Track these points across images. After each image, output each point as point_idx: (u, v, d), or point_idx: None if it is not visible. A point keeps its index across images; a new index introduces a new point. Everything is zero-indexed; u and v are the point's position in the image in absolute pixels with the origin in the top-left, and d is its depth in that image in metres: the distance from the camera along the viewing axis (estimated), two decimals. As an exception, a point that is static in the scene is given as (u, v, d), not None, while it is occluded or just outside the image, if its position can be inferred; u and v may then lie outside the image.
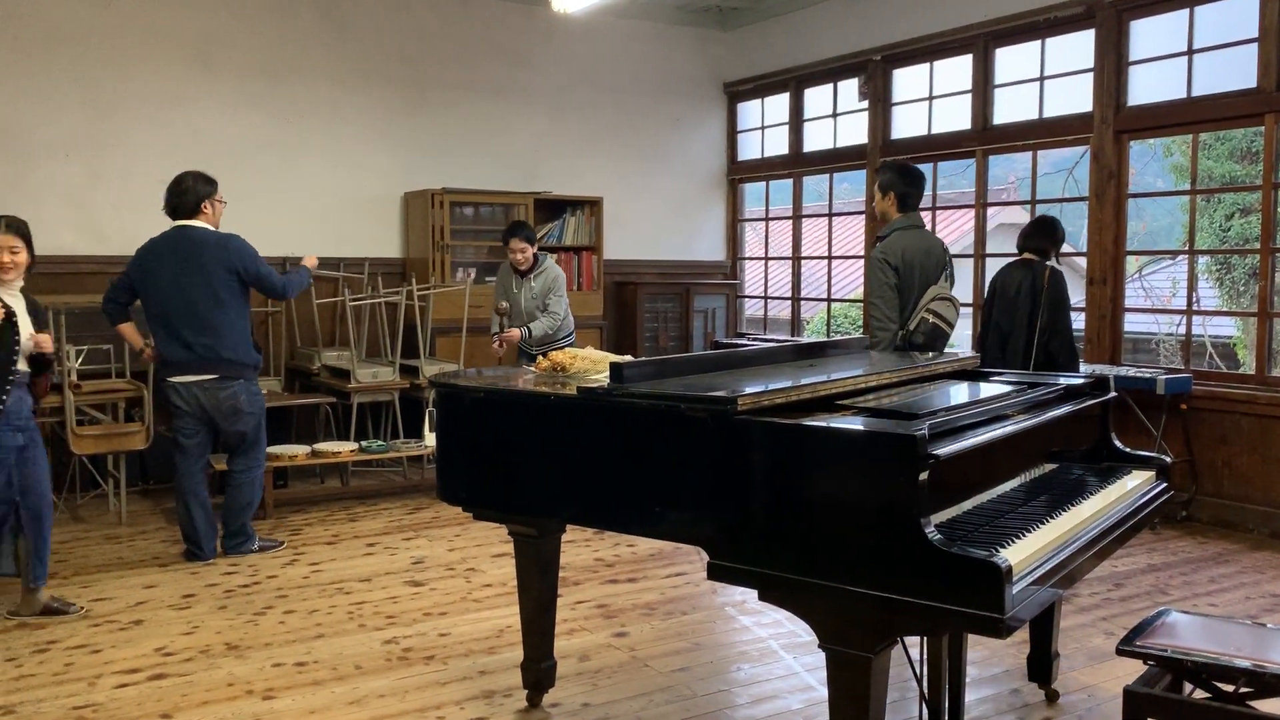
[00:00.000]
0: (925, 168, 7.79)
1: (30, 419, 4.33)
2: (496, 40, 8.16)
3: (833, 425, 2.36)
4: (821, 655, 2.39)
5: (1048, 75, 6.85)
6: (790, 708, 3.50)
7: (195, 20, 7.11)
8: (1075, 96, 6.67)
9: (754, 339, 8.85)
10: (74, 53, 6.76)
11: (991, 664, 3.87)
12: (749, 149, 9.30)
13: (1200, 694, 2.72)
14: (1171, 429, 6.09)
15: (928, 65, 7.61)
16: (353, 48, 7.63)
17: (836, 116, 8.43)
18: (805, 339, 8.80)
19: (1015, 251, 5.51)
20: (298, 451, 6.33)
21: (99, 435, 5.82)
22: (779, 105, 8.93)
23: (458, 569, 5.09)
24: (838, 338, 7.17)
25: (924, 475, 2.18)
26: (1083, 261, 6.77)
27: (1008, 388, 3.07)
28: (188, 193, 5.09)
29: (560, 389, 3.00)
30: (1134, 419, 6.10)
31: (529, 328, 6.26)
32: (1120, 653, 2.75)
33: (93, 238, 6.78)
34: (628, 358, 3.06)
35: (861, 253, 8.20)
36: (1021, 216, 9.09)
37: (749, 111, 9.30)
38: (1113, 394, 3.36)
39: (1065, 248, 5.69)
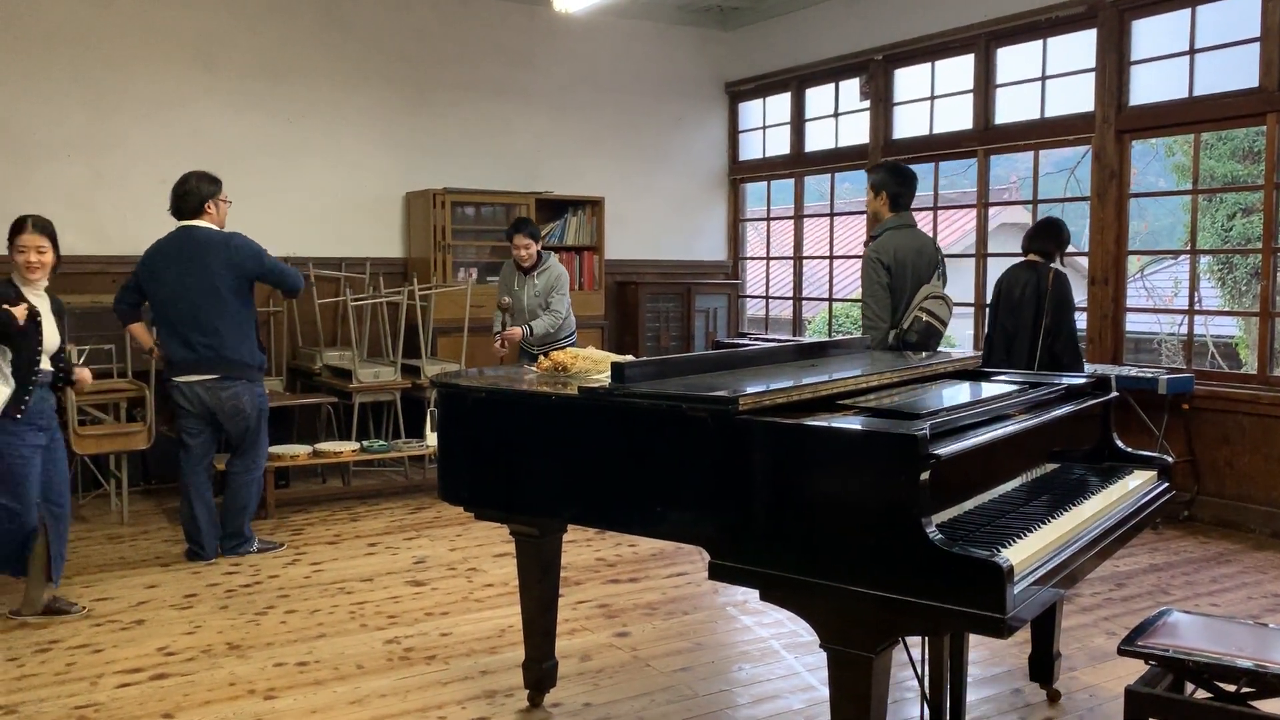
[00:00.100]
0: (927, 167, 7.81)
1: (53, 418, 4.36)
2: (498, 40, 8.17)
3: (834, 425, 2.36)
4: (823, 655, 2.39)
5: (1049, 75, 6.85)
6: (791, 707, 3.50)
7: (196, 20, 7.11)
8: (1077, 96, 6.67)
9: (755, 339, 8.85)
10: (75, 53, 6.76)
11: (993, 664, 3.87)
12: (750, 149, 9.30)
13: (1202, 694, 2.72)
14: (1173, 429, 6.09)
15: (929, 65, 7.61)
16: (354, 48, 7.64)
17: (838, 116, 8.43)
18: (806, 339, 8.80)
19: (1018, 252, 5.52)
20: (299, 451, 6.34)
21: (101, 435, 5.83)
22: (780, 105, 8.93)
23: (459, 569, 5.09)
24: (839, 338, 7.17)
25: (925, 475, 2.18)
26: (1084, 261, 6.77)
27: (1009, 388, 3.07)
28: (191, 193, 5.09)
29: (562, 389, 3.00)
30: (1136, 419, 6.10)
31: (530, 326, 6.26)
32: (1122, 653, 2.75)
33: (94, 238, 6.78)
34: (629, 357, 3.06)
35: (863, 253, 8.20)
36: (1023, 216, 9.09)
37: (750, 111, 9.30)
38: (1114, 394, 3.36)
39: (1068, 248, 5.68)
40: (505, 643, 4.05)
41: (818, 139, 8.66)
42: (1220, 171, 10.32)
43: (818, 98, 8.65)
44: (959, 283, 8.24)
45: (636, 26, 8.73)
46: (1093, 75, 6.48)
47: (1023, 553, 2.31)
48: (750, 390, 2.55)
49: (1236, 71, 5.89)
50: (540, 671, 3.44)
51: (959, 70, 7.39)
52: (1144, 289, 10.07)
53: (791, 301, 9.29)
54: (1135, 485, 3.11)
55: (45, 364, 4.24)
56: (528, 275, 6.38)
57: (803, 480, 2.36)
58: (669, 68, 8.96)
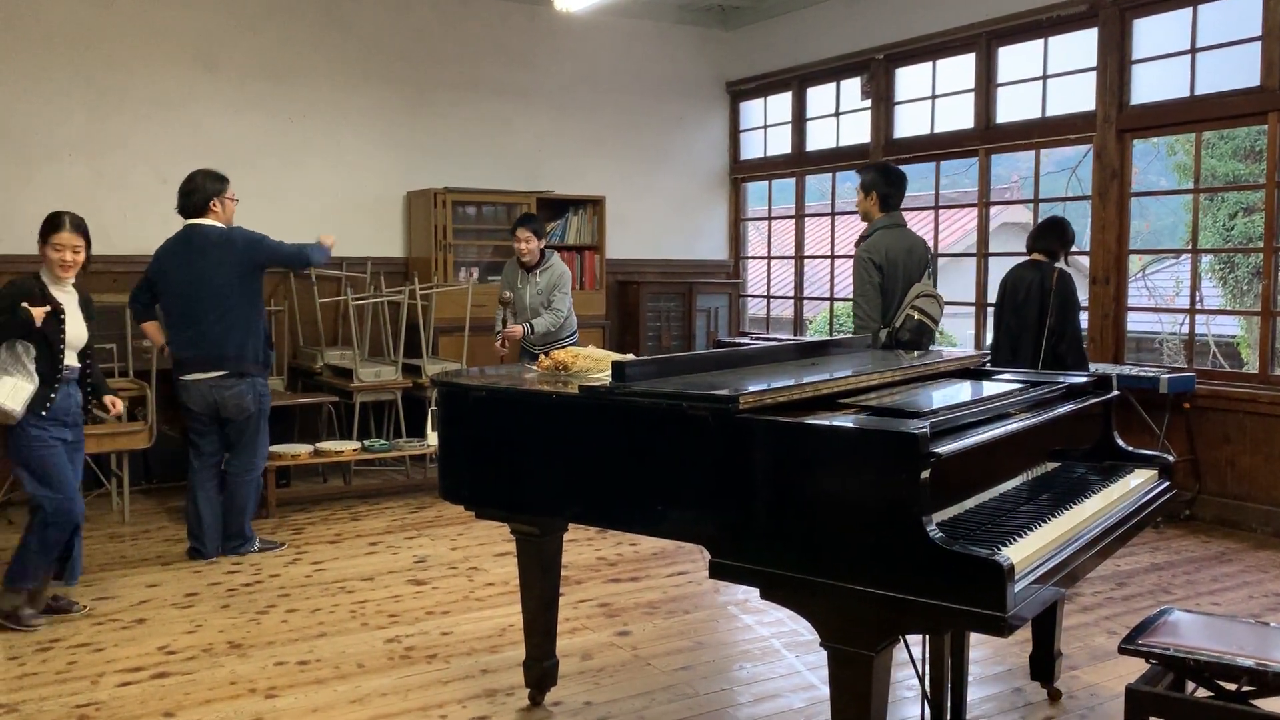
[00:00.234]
0: (928, 167, 7.81)
1: (79, 415, 4.37)
2: (498, 40, 8.17)
3: (834, 423, 2.36)
4: (824, 654, 2.39)
5: (1050, 74, 6.85)
6: (792, 706, 3.50)
7: (197, 21, 7.12)
8: (1078, 95, 6.67)
9: (757, 338, 8.85)
10: (76, 54, 6.77)
11: (994, 663, 3.87)
12: (751, 148, 9.30)
13: (1203, 693, 2.72)
14: (1175, 428, 6.09)
15: (930, 64, 7.61)
16: (354, 48, 7.64)
17: (839, 115, 8.43)
18: (807, 338, 8.80)
19: (1019, 251, 5.52)
20: (300, 451, 6.34)
21: (102, 434, 5.82)
22: (781, 104, 8.93)
23: (460, 568, 5.09)
24: (840, 336, 7.18)
25: (925, 473, 2.18)
26: (1086, 261, 6.77)
27: (1010, 386, 3.07)
28: (196, 192, 5.11)
29: (562, 388, 3.00)
30: (1137, 418, 6.10)
31: (531, 324, 6.25)
32: (1123, 651, 2.75)
33: (95, 238, 6.59)
34: (629, 356, 3.06)
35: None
36: (1025, 216, 9.09)
37: (751, 111, 9.30)
38: (1115, 393, 3.36)
39: (1072, 247, 5.68)
40: (506, 642, 4.05)
41: (819, 138, 8.66)
42: (1222, 171, 10.31)
43: (819, 97, 8.65)
44: (960, 282, 8.27)
45: (637, 26, 8.73)
46: (1094, 74, 6.48)
47: (1023, 551, 2.31)
48: (751, 389, 2.55)
49: (1238, 70, 5.88)
50: (541, 670, 3.44)
51: (960, 69, 7.39)
52: (1145, 288, 10.06)
53: (793, 301, 9.29)
54: (1136, 484, 3.11)
55: (71, 360, 4.24)
56: (530, 273, 6.38)
57: (803, 479, 2.36)
58: (670, 67, 8.96)
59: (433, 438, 6.58)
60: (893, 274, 4.90)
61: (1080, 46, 6.62)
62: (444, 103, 7.97)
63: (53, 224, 4.28)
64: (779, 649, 4.02)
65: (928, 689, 2.98)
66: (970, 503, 2.59)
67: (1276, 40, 5.67)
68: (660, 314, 8.66)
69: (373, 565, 5.14)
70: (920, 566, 2.16)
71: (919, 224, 10.74)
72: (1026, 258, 5.49)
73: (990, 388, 3.05)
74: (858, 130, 8.21)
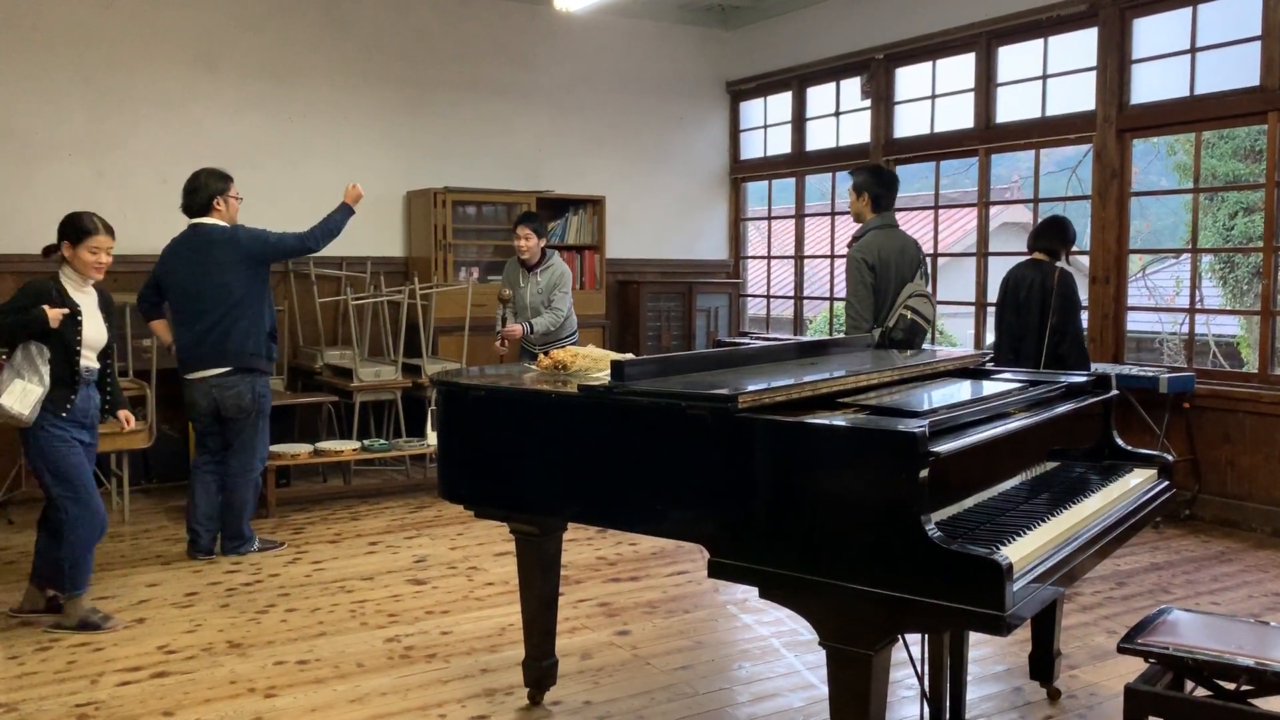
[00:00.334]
0: (928, 166, 7.82)
1: (97, 417, 4.37)
2: (498, 40, 8.17)
3: (833, 423, 2.36)
4: (823, 653, 2.39)
5: (1050, 74, 6.85)
6: (791, 705, 3.50)
7: (197, 21, 7.12)
8: (1078, 95, 6.67)
9: (757, 338, 8.85)
10: (77, 54, 6.77)
11: (993, 662, 3.87)
12: (751, 148, 9.30)
13: (1202, 692, 2.71)
14: (1174, 427, 6.08)
15: (930, 64, 7.60)
16: (355, 48, 7.64)
17: (839, 115, 8.43)
18: (807, 337, 8.80)
19: (1019, 251, 5.52)
20: (300, 450, 6.34)
21: (102, 434, 5.80)
22: (781, 104, 8.93)
23: (460, 567, 5.09)
24: (840, 336, 7.18)
25: (924, 472, 2.18)
26: (1086, 260, 6.77)
27: (1009, 386, 3.07)
28: (199, 190, 5.12)
29: (561, 387, 3.01)
30: (1137, 417, 6.10)
31: (531, 323, 6.26)
32: (1121, 650, 2.75)
33: None
34: (628, 356, 3.06)
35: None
36: (1025, 216, 9.09)
37: (751, 110, 9.30)
38: (1114, 392, 3.36)
39: (1073, 246, 5.68)
40: (506, 641, 4.05)
41: (819, 138, 8.66)
42: (1222, 170, 10.31)
43: (819, 97, 8.65)
44: (960, 282, 8.27)
45: (637, 26, 8.73)
46: (1094, 74, 6.48)
47: (1022, 550, 2.31)
48: (750, 388, 2.55)
49: (1238, 70, 5.88)
50: (540, 670, 3.44)
51: (960, 69, 7.39)
52: (1145, 288, 10.06)
53: (793, 301, 9.29)
54: (1135, 484, 3.11)
55: (90, 361, 4.23)
56: (531, 272, 6.38)
57: (802, 478, 2.36)
58: (670, 67, 8.96)
59: (432, 437, 6.58)
60: (885, 274, 4.94)
61: (1080, 46, 6.62)
62: (444, 102, 7.97)
63: (86, 228, 4.24)
64: (778, 648, 4.02)
65: (927, 688, 2.98)
66: (969, 502, 2.59)
67: (1276, 40, 5.67)
68: (660, 314, 8.66)
69: (372, 565, 5.14)
70: (919, 566, 2.16)
71: (919, 224, 10.78)
72: (1027, 257, 5.49)
73: (989, 387, 3.05)
74: (858, 130, 8.21)
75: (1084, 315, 6.40)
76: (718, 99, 9.26)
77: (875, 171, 5.22)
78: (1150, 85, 6.32)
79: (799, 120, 8.75)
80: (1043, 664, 3.53)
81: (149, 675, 3.75)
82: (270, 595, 4.66)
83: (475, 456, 3.17)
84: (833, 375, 2.85)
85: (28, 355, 4.08)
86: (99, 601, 4.55)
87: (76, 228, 4.24)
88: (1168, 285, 10.48)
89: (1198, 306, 6.90)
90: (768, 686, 3.66)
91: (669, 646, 4.03)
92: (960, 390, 3.02)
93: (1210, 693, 2.68)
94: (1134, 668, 2.86)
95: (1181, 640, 2.72)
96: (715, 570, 2.49)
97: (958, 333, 11.05)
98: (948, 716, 3.15)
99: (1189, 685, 2.75)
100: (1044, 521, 2.54)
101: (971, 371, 3.47)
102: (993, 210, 7.70)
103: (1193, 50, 6.06)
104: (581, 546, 5.42)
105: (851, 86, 8.22)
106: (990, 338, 6.69)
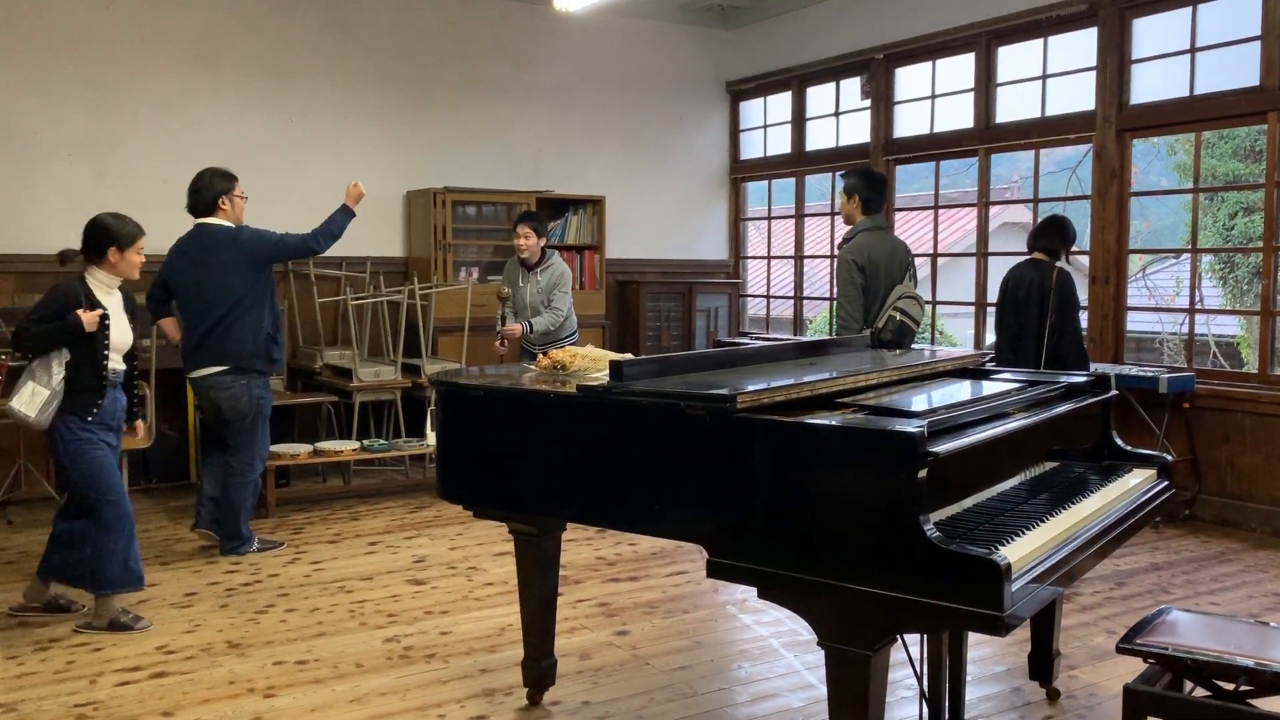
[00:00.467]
0: (928, 166, 7.82)
1: (123, 419, 4.35)
2: (499, 39, 8.17)
3: (831, 423, 2.36)
4: (822, 653, 2.38)
5: (1050, 74, 6.85)
6: (791, 706, 3.50)
7: (198, 21, 7.12)
8: (1078, 95, 6.67)
9: (757, 338, 8.85)
10: (77, 53, 6.77)
11: (992, 662, 3.87)
12: (751, 148, 9.29)
13: (1201, 692, 2.71)
14: (1174, 427, 6.08)
15: (930, 64, 7.60)
16: (355, 47, 7.64)
17: (839, 115, 8.43)
18: (807, 337, 8.79)
19: (1019, 251, 5.53)
20: (300, 450, 6.34)
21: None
22: (781, 104, 8.93)
23: (459, 567, 5.09)
24: (839, 336, 7.19)
25: (923, 472, 2.18)
26: (1086, 260, 6.77)
27: (1008, 386, 3.07)
28: (204, 190, 5.14)
29: (560, 387, 3.00)
30: (1137, 417, 6.10)
31: (530, 323, 6.26)
32: (1120, 651, 2.74)
33: None
34: (628, 356, 3.06)
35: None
36: (1025, 216, 9.09)
37: (751, 110, 9.30)
38: (1114, 392, 3.36)
39: (1073, 245, 5.68)
40: (505, 641, 4.05)
41: (819, 138, 8.66)
42: (1221, 170, 10.31)
43: (819, 97, 8.64)
44: (960, 282, 8.26)
45: (637, 25, 8.73)
46: (1094, 74, 6.48)
47: (1021, 550, 2.31)
48: (749, 388, 2.55)
49: (1237, 70, 5.88)
50: (539, 670, 3.44)
51: (960, 69, 7.39)
52: (1145, 288, 10.06)
53: (792, 301, 9.28)
54: (1135, 484, 3.10)
55: (117, 364, 4.22)
56: (531, 272, 6.38)
57: (801, 478, 2.36)
58: (670, 67, 8.96)
59: (432, 437, 6.58)
60: (875, 275, 5.01)
61: (1080, 46, 6.62)
62: (444, 102, 7.97)
63: (134, 231, 4.28)
64: (777, 648, 4.02)
65: (926, 688, 2.98)
66: (969, 502, 2.58)
67: (1276, 40, 5.67)
68: (660, 314, 8.66)
69: (372, 565, 5.14)
70: (918, 566, 2.16)
71: (919, 224, 10.78)
72: (1027, 257, 5.49)
73: (988, 387, 3.05)
74: (857, 130, 8.21)
75: (1084, 314, 6.42)
76: (718, 99, 9.26)
77: (865, 174, 5.28)
78: (1150, 85, 6.32)
79: (799, 120, 8.75)
80: (1042, 664, 3.53)
81: (148, 675, 3.75)
82: (269, 595, 4.66)
83: (474, 457, 3.17)
84: (831, 375, 2.85)
85: (44, 359, 4.08)
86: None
87: (126, 233, 4.25)
88: (1168, 285, 10.48)
89: (1198, 306, 6.90)
90: (767, 687, 3.66)
91: (668, 647, 4.03)
92: (959, 390, 3.02)
93: (1209, 693, 2.68)
94: (1133, 668, 2.86)
95: (1181, 640, 2.72)
96: (714, 570, 2.49)
97: (957, 333, 11.05)
98: (947, 717, 3.15)
99: (1188, 686, 2.75)
100: (1043, 522, 2.53)
101: (971, 372, 3.47)
102: (992, 210, 7.70)
103: (1192, 50, 6.06)
104: (581, 547, 5.42)
105: (851, 86, 8.22)
106: (990, 338, 6.69)
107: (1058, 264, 5.35)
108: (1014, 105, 7.10)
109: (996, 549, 2.22)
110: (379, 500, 6.55)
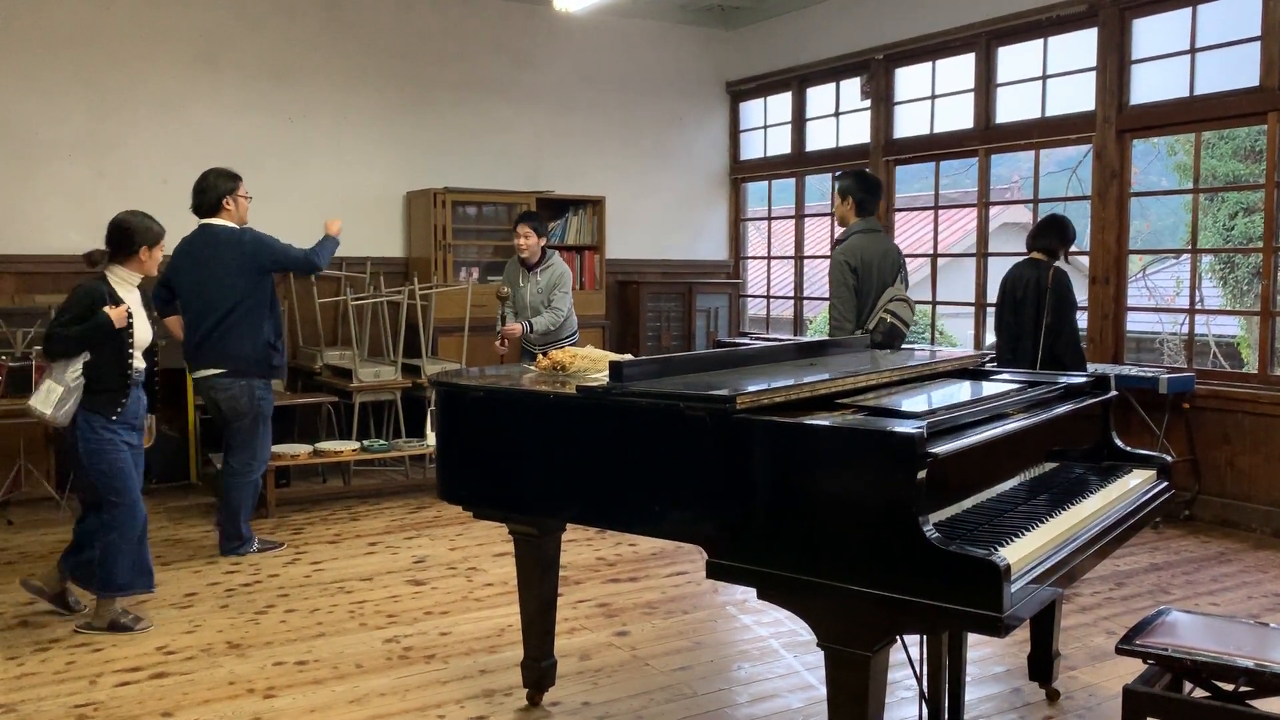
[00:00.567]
0: (928, 167, 7.81)
1: (144, 418, 4.36)
2: (499, 40, 8.17)
3: (831, 424, 2.36)
4: (821, 654, 2.39)
5: (1050, 74, 6.85)
6: (790, 706, 3.50)
7: (199, 21, 7.12)
8: (1078, 95, 6.67)
9: (757, 338, 8.85)
10: (78, 53, 6.77)
11: (992, 663, 3.87)
12: (751, 148, 9.30)
13: (1200, 693, 2.71)
14: (1174, 428, 6.08)
15: (930, 64, 7.60)
16: (356, 48, 7.64)
17: (839, 116, 8.43)
18: (807, 338, 8.79)
19: (1020, 251, 5.53)
20: (300, 451, 6.34)
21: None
22: (781, 104, 8.93)
23: (459, 568, 5.09)
24: (839, 337, 7.19)
25: (922, 473, 2.18)
26: (1086, 261, 6.77)
27: (1008, 386, 3.07)
28: (209, 191, 5.16)
29: (560, 388, 3.00)
30: (1137, 418, 6.09)
31: (530, 322, 6.26)
32: (1120, 652, 2.74)
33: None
34: (627, 356, 3.06)
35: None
36: (1025, 216, 9.08)
37: (751, 111, 9.30)
38: (1113, 393, 3.36)
39: (1072, 244, 5.68)
40: (504, 642, 4.05)
41: (819, 138, 8.66)
42: (1222, 171, 10.31)
43: (819, 97, 8.64)
44: (960, 283, 8.26)
45: (637, 26, 8.73)
46: (1094, 74, 6.47)
47: (1021, 551, 2.31)
48: (748, 389, 2.55)
49: (1237, 70, 5.88)
50: (539, 670, 3.44)
51: (960, 69, 7.39)
52: (1146, 288, 10.06)
53: (792, 301, 9.28)
54: (1135, 484, 3.10)
55: (139, 361, 4.23)
56: (531, 272, 6.38)
57: (800, 479, 2.36)
58: (670, 67, 8.96)
59: (432, 438, 6.58)
60: (867, 277, 5.05)
61: (1080, 46, 6.62)
62: (444, 102, 7.97)
63: (158, 230, 4.34)
64: (777, 649, 4.02)
65: (925, 689, 2.98)
66: (968, 503, 2.58)
67: (1276, 40, 5.67)
68: (660, 314, 8.66)
69: (372, 565, 5.14)
70: (917, 567, 2.16)
71: (919, 224, 10.77)
72: (1026, 256, 5.48)
73: (988, 388, 3.05)
74: (858, 130, 8.21)
75: (1084, 315, 6.41)
76: (718, 99, 9.26)
77: (859, 176, 5.33)
78: (1150, 85, 6.32)
79: (799, 120, 8.75)
80: (1042, 665, 3.53)
81: (148, 676, 3.75)
82: (269, 596, 4.66)
83: (474, 457, 3.17)
84: (831, 376, 2.85)
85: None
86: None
87: (155, 232, 4.32)
88: (1168, 285, 10.48)
89: (1198, 307, 6.90)
90: (767, 687, 3.66)
91: (668, 647, 4.03)
92: (959, 391, 3.02)
93: (1209, 694, 2.68)
94: (1133, 669, 2.86)
95: (1180, 641, 2.72)
96: (714, 571, 2.49)
97: (958, 333, 11.04)
98: (946, 717, 3.15)
99: (1188, 686, 2.75)
100: (1043, 522, 2.53)
101: (971, 372, 3.47)
102: (993, 210, 7.70)
103: (1192, 50, 6.06)
104: (581, 547, 5.42)
105: (851, 87, 8.23)
106: (990, 338, 6.69)
107: (1056, 263, 5.35)
108: (1014, 105, 7.10)
109: (996, 550, 2.22)
110: (379, 501, 6.55)
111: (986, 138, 7.20)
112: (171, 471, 6.80)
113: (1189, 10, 6.03)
